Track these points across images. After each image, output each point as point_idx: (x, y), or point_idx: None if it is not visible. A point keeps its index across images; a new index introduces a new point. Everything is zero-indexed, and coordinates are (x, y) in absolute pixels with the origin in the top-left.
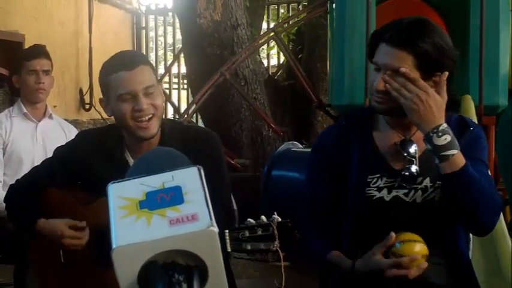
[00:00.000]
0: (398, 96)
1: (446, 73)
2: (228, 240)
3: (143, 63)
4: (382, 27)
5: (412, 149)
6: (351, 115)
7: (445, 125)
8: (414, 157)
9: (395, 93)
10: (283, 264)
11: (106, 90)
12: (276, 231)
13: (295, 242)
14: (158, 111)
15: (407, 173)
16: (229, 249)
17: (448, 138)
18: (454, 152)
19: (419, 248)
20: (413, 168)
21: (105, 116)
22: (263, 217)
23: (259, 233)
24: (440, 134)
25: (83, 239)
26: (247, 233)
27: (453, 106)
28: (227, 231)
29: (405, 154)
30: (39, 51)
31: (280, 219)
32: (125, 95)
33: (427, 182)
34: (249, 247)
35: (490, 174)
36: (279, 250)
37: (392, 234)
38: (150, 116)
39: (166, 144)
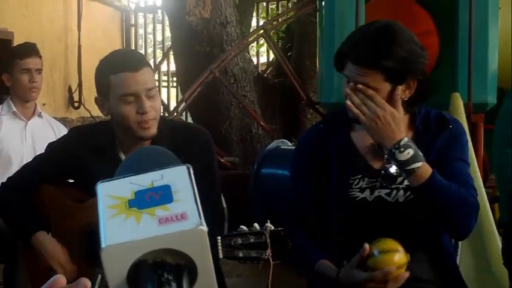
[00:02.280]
0: (358, 114)
1: (400, 87)
2: (220, 247)
3: (145, 65)
4: (346, 43)
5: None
6: (328, 117)
7: (405, 139)
8: None
9: (356, 111)
10: (271, 272)
11: (105, 90)
12: (268, 240)
13: (287, 251)
14: (158, 114)
15: (385, 173)
16: (221, 256)
17: (410, 152)
18: (419, 164)
19: (398, 257)
20: (393, 168)
21: (94, 114)
22: (256, 225)
23: (252, 240)
24: (402, 149)
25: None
26: (239, 240)
27: (424, 97)
28: (219, 237)
29: (384, 156)
30: (32, 49)
31: (273, 228)
32: (128, 97)
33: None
34: (240, 254)
35: (469, 172)
36: (270, 259)
37: (366, 245)
38: (152, 118)
39: (158, 142)
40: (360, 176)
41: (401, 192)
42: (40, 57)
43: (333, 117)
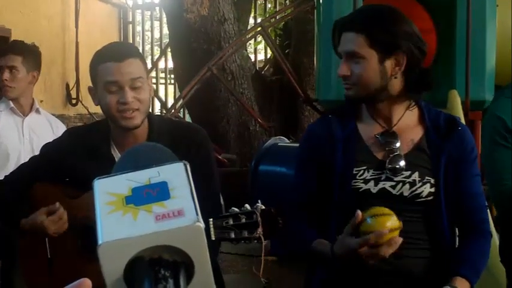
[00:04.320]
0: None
1: (388, 62)
2: (212, 229)
3: (133, 56)
4: (338, 20)
5: (389, 141)
6: (336, 108)
7: None
8: (397, 149)
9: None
10: (263, 252)
11: (93, 79)
12: (259, 219)
13: (278, 229)
14: (143, 106)
15: (390, 166)
16: (213, 238)
17: None
18: None
19: (391, 222)
20: (401, 162)
21: (91, 110)
22: (247, 205)
23: (243, 220)
24: None
25: (63, 218)
26: (231, 221)
27: (427, 87)
28: (211, 219)
29: (386, 148)
30: (7, 47)
31: (263, 207)
32: (111, 86)
33: (415, 176)
34: (232, 235)
35: (482, 189)
36: (262, 237)
37: (359, 212)
38: (134, 109)
39: (154, 141)
40: (364, 168)
41: (407, 186)
42: (18, 54)
43: (342, 108)
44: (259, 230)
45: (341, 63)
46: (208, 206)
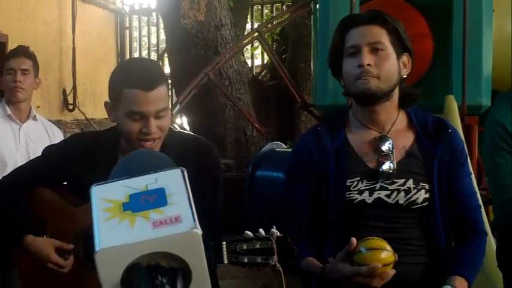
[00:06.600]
0: None
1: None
2: (225, 252)
3: (160, 84)
4: (348, 16)
5: (386, 146)
6: (324, 119)
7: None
8: (390, 153)
9: None
10: (284, 279)
11: (115, 99)
12: (274, 246)
13: (293, 257)
14: (164, 133)
15: (381, 170)
16: (225, 261)
17: None
18: None
19: (385, 255)
20: (388, 164)
21: (89, 116)
22: (261, 230)
23: (257, 246)
24: None
25: (65, 268)
26: (244, 246)
27: (411, 100)
28: (225, 242)
29: (382, 153)
30: (19, 50)
31: (279, 234)
32: (135, 115)
33: (410, 183)
34: (245, 260)
35: (474, 188)
36: (278, 264)
37: (353, 240)
38: (157, 137)
39: (165, 153)
40: (358, 178)
41: (402, 193)
42: (30, 58)
43: (330, 118)
44: (275, 258)
45: (363, 53)
46: (210, 218)
